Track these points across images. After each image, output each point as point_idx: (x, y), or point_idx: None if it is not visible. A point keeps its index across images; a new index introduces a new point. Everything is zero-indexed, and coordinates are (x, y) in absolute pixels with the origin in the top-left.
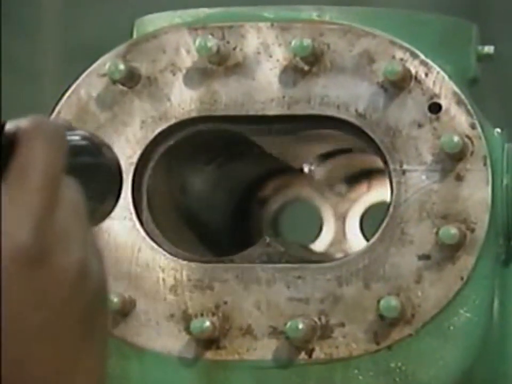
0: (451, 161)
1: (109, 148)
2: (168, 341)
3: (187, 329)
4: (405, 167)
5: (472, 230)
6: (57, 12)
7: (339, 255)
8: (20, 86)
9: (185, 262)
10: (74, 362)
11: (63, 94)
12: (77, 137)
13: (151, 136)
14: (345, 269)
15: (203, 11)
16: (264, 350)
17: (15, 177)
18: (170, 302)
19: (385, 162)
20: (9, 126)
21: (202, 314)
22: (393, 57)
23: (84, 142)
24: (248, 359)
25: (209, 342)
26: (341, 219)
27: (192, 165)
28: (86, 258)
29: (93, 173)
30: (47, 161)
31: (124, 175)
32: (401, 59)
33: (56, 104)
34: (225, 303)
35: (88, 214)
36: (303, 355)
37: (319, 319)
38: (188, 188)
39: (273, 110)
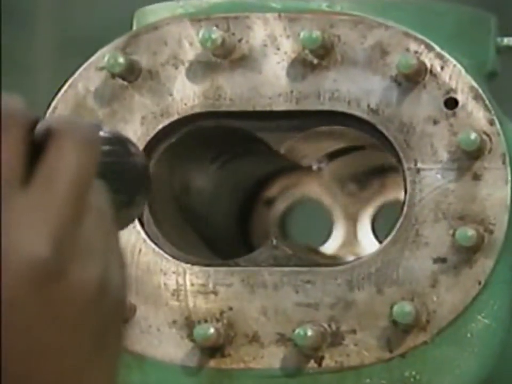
0: (468, 159)
1: (136, 147)
2: (170, 348)
3: (190, 337)
4: (419, 165)
5: (491, 232)
6: (52, 0)
7: (350, 258)
8: (12, 79)
9: (188, 266)
10: (81, 379)
11: (59, 89)
12: (104, 137)
13: (152, 133)
14: (356, 273)
15: (207, 1)
16: (271, 358)
17: (40, 181)
18: (172, 307)
19: (399, 160)
20: (40, 125)
21: (206, 321)
22: (407, 49)
23: (111, 144)
24: (254, 368)
25: (214, 349)
26: (352, 220)
27: (195, 163)
28: (107, 274)
29: (119, 175)
30: (78, 166)
31: None
32: (416, 52)
33: (52, 99)
34: (230, 308)
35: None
36: (312, 363)
37: (329, 325)
38: (190, 187)
39: (280, 106)
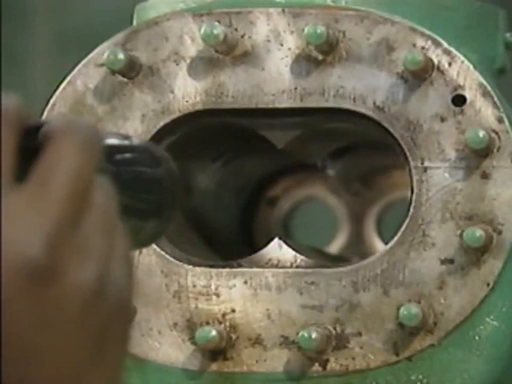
0: (476, 157)
1: (168, 160)
2: (171, 351)
3: (191, 339)
4: (426, 164)
5: (499, 232)
6: None
7: (355, 259)
8: (10, 74)
9: (189, 267)
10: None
11: (58, 86)
12: (129, 146)
13: (153, 131)
14: (362, 274)
15: None
16: (275, 361)
17: (36, 181)
18: (174, 309)
19: (406, 159)
20: (44, 127)
21: (208, 323)
22: (414, 45)
23: (136, 151)
24: (257, 371)
25: (216, 353)
26: (357, 220)
27: (197, 162)
28: (105, 275)
29: (144, 187)
30: (74, 166)
31: None
32: (423, 47)
33: (51, 96)
34: (233, 311)
35: (133, 233)
36: (316, 367)
37: (334, 328)
38: (192, 186)
39: (284, 103)
